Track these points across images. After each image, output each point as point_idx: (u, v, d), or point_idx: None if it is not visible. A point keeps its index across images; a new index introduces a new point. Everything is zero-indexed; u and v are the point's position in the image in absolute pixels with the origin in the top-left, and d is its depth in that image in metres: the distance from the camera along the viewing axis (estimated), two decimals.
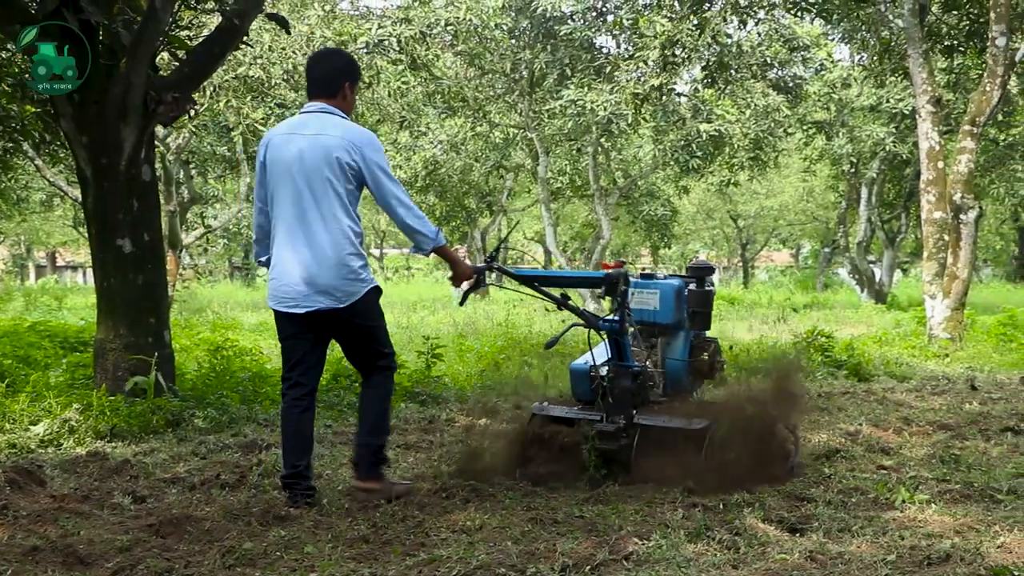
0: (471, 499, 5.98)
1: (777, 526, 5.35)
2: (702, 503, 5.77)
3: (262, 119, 20.64)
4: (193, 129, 22.58)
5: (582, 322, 6.50)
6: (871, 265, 36.67)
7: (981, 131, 16.91)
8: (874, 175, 32.56)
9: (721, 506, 5.72)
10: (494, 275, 6.58)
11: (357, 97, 19.76)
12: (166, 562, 4.75)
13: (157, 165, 10.26)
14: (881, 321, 22.58)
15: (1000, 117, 26.28)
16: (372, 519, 5.49)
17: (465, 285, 6.40)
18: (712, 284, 7.43)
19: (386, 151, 28.87)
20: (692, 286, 7.18)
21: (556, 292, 6.54)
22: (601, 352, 6.70)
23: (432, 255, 6.08)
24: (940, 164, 16.65)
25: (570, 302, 6.47)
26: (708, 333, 7.41)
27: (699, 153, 28.35)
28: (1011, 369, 13.46)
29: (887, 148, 29.50)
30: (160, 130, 17.20)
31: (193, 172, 29.40)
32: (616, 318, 6.45)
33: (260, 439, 7.81)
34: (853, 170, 33.16)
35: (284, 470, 5.96)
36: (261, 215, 6.01)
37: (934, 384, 11.84)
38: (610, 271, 6.41)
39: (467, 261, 6.39)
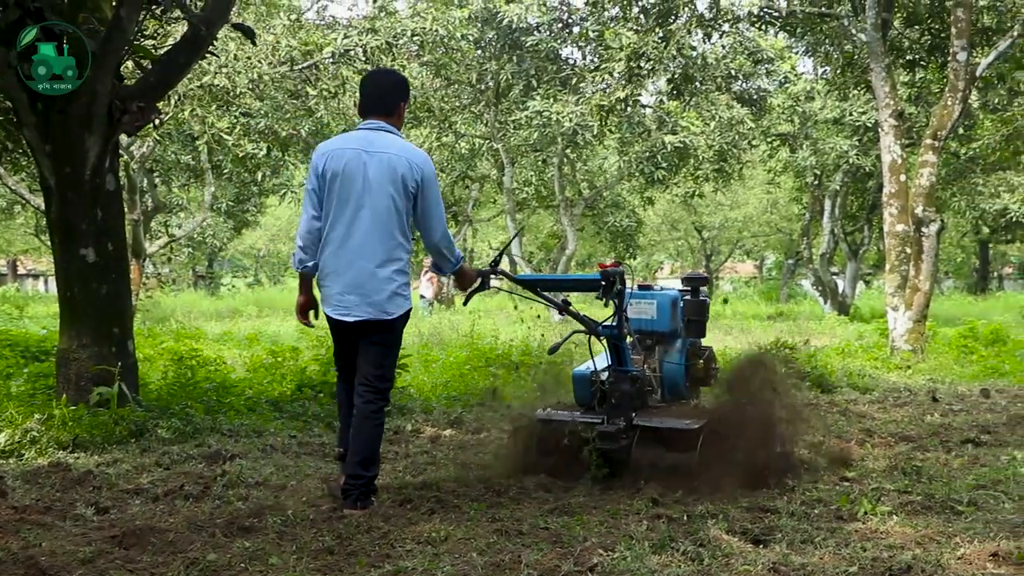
0: (436, 510, 5.98)
1: (741, 537, 5.38)
2: (666, 514, 5.80)
3: (227, 128, 20.55)
4: (157, 138, 22.45)
5: (583, 328, 6.78)
6: (834, 277, 36.85)
7: (943, 145, 17.06)
8: (837, 187, 32.74)
9: (685, 517, 5.75)
10: (499, 278, 6.85)
11: (324, 108, 19.73)
12: (129, 574, 4.73)
13: (120, 173, 10.21)
14: (844, 332, 22.70)
15: (961, 131, 26.49)
16: (337, 530, 5.48)
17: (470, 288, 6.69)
18: (706, 294, 7.75)
19: None
20: (687, 296, 7.51)
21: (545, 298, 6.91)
22: (602, 359, 7.00)
23: None
24: (902, 177, 16.79)
25: (571, 307, 6.75)
26: (703, 341, 7.71)
27: (664, 164, 28.42)
28: (972, 381, 13.57)
29: (850, 161, 29.65)
30: (124, 138, 17.13)
31: (157, 181, 29.27)
32: (615, 324, 6.70)
33: (224, 449, 7.79)
34: (816, 182, 33.34)
35: (340, 446, 6.39)
36: (314, 222, 6.17)
37: (896, 396, 11.94)
38: (606, 268, 6.63)
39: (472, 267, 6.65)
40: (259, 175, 26.57)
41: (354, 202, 6.04)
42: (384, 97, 6.30)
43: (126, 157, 22.23)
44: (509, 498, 6.32)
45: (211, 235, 41.77)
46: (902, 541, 5.28)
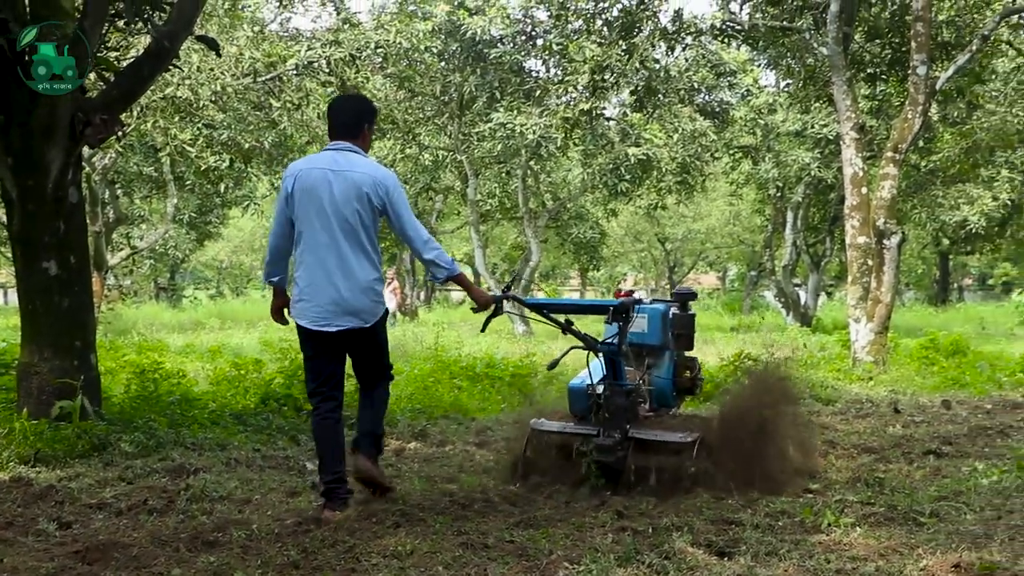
0: (401, 524, 5.97)
1: (706, 550, 5.40)
2: (632, 527, 5.82)
3: (190, 140, 20.48)
4: (119, 149, 22.35)
5: (581, 345, 7.05)
6: (796, 288, 36.95)
7: (903, 157, 17.19)
8: (799, 200, 32.86)
9: (650, 530, 5.76)
10: (510, 303, 7.21)
11: (288, 120, 19.67)
12: None
13: (82, 185, 10.16)
14: (806, 344, 22.78)
15: (921, 144, 26.68)
16: (302, 544, 5.47)
17: (486, 312, 6.86)
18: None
19: None
20: (676, 310, 7.85)
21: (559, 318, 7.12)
22: (595, 370, 7.28)
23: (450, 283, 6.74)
24: (864, 189, 16.90)
25: (574, 327, 7.01)
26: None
27: (627, 176, 28.46)
28: (933, 392, 13.66)
29: (812, 173, 29.80)
30: (85, 150, 17.10)
31: (119, 192, 29.12)
32: (613, 341, 7.02)
33: (188, 463, 7.75)
34: (779, 194, 33.46)
35: (326, 476, 6.38)
36: (280, 239, 6.51)
37: (858, 407, 12.00)
38: (623, 299, 7.14)
39: (486, 290, 6.95)
40: (222, 187, 26.50)
41: (322, 220, 6.32)
42: (350, 121, 6.60)
43: (88, 169, 22.11)
44: (475, 511, 6.33)
45: (173, 247, 41.56)
46: (865, 552, 5.31)
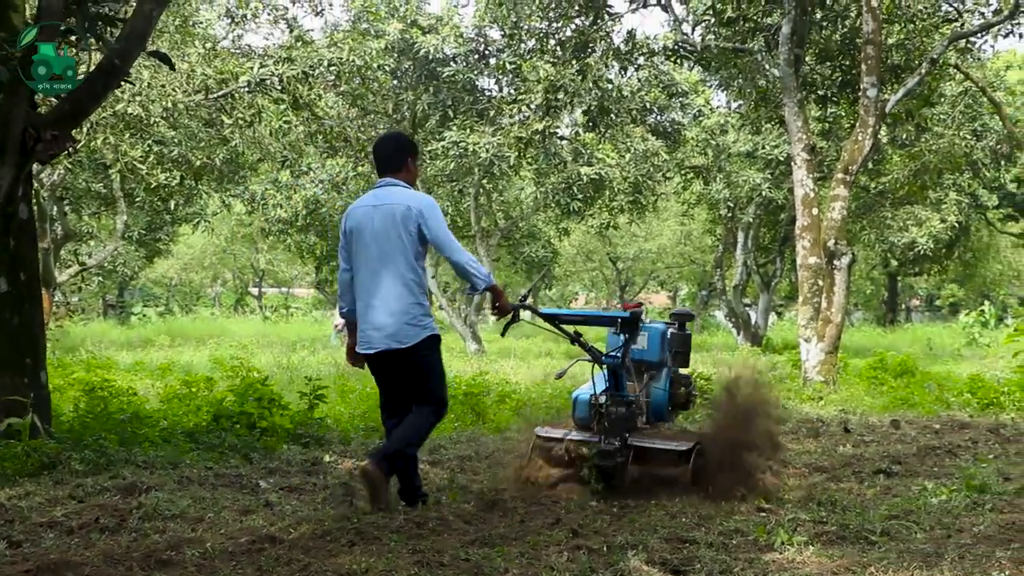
0: (356, 542, 5.94)
1: (660, 568, 5.41)
2: (586, 545, 5.82)
3: (140, 156, 20.35)
4: (68, 165, 22.18)
5: (588, 357, 7.49)
6: (747, 308, 37.20)
7: (853, 179, 17.37)
8: (750, 220, 33.08)
9: (605, 548, 5.77)
10: (528, 312, 7.50)
11: (239, 137, 19.59)
12: None
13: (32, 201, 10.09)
14: (757, 364, 22.90)
15: (871, 165, 27.00)
16: (256, 562, 5.43)
17: (505, 319, 7.33)
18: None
19: (266, 190, 28.69)
20: (674, 329, 8.19)
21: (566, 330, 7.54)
22: (598, 383, 7.63)
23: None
24: (814, 210, 17.04)
25: (582, 339, 7.42)
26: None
27: (580, 196, 28.60)
28: (882, 412, 13.75)
29: (763, 194, 30.06)
30: (35, 166, 16.93)
31: (67, 209, 28.89)
32: (615, 354, 7.46)
33: (140, 481, 7.66)
34: (730, 215, 33.65)
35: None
36: (345, 274, 7.18)
37: (809, 427, 12.06)
38: (634, 310, 7.58)
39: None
40: (172, 204, 26.37)
41: (366, 252, 6.97)
42: (391, 155, 7.21)
43: (36, 185, 21.92)
44: (429, 529, 6.31)
45: (122, 264, 41.25)
46: (818, 571, 5.34)
